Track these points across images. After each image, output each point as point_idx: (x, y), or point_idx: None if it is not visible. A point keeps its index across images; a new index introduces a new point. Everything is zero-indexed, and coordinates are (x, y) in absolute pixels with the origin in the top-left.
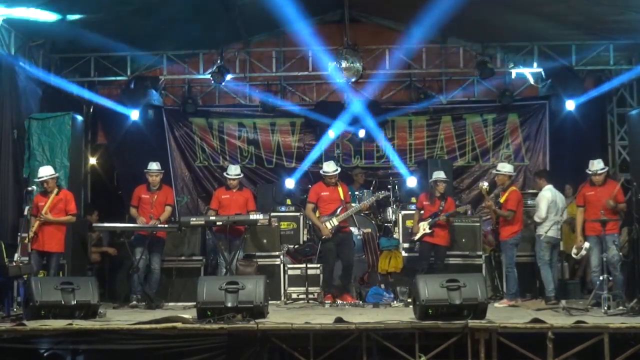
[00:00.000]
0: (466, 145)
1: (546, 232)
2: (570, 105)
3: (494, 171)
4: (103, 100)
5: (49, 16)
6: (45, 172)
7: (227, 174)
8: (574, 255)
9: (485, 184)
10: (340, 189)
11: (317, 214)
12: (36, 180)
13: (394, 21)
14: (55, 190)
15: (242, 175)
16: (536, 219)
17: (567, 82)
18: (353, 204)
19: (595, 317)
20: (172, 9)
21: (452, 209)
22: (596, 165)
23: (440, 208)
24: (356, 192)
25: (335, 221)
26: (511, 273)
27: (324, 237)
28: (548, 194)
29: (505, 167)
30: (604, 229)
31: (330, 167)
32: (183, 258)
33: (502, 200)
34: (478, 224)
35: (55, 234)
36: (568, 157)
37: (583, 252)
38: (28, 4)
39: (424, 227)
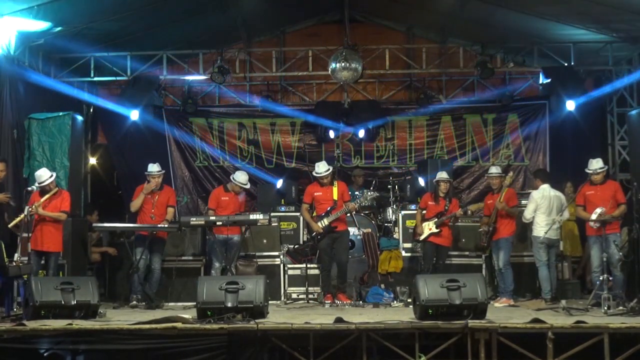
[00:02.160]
0: (466, 145)
1: (545, 234)
2: (570, 105)
3: (486, 175)
4: (103, 102)
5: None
6: (45, 176)
7: (234, 179)
8: (592, 224)
9: (508, 175)
10: (335, 189)
11: (314, 214)
12: (38, 185)
13: (394, 21)
14: (55, 190)
15: (249, 186)
16: (523, 219)
17: (567, 82)
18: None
19: (595, 317)
20: (172, 9)
21: (457, 209)
22: (595, 164)
23: (446, 208)
24: (356, 193)
25: (325, 221)
26: (508, 271)
27: (314, 233)
28: (536, 195)
29: (498, 170)
30: (605, 229)
31: (321, 169)
32: (183, 258)
33: (501, 199)
34: (478, 224)
35: (53, 234)
36: (568, 157)
37: (595, 216)
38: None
39: (429, 227)
